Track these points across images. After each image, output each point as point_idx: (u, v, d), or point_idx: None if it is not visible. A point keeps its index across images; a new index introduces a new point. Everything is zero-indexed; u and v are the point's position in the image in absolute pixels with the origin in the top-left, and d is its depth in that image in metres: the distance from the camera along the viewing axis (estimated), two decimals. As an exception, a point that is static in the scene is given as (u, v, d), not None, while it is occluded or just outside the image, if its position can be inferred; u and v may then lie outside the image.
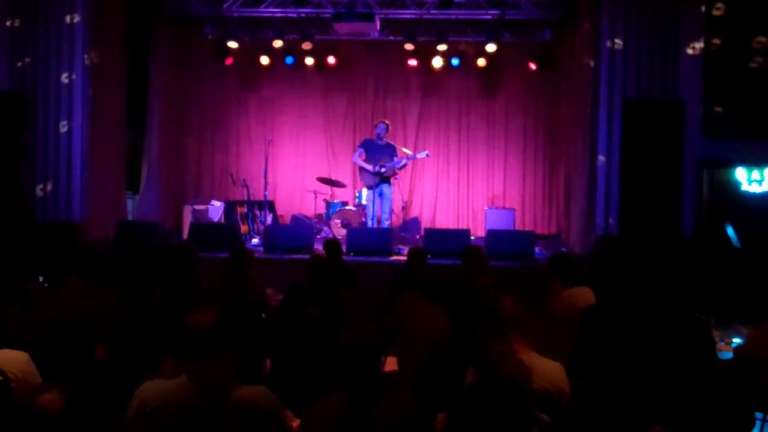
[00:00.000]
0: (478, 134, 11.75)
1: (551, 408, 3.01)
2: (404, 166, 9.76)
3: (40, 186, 8.61)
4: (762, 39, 8.15)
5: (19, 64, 8.59)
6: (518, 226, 10.69)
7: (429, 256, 6.46)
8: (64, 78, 8.62)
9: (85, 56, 8.69)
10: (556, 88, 11.02)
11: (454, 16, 10.49)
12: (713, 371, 3.81)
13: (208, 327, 2.55)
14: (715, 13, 8.27)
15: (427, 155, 9.89)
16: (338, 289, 4.82)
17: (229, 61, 11.19)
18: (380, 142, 9.53)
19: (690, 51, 8.13)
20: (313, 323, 4.08)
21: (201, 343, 2.52)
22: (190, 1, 10.63)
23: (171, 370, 2.90)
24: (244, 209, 10.16)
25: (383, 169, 9.39)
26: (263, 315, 5.13)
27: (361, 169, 9.59)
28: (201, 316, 2.59)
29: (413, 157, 9.90)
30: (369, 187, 9.61)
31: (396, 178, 9.84)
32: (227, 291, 5.12)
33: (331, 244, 6.42)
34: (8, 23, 8.56)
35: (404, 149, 10.24)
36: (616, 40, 8.21)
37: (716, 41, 8.28)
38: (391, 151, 9.53)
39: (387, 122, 9.75)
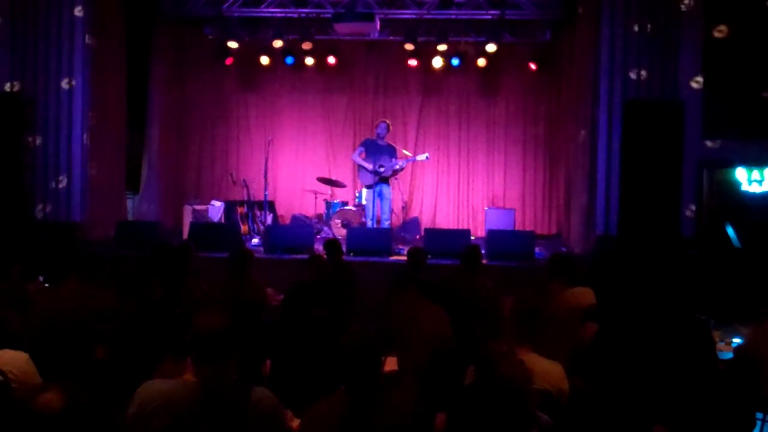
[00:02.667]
0: (478, 134, 11.75)
1: (551, 408, 3.01)
2: (402, 168, 9.73)
3: (45, 184, 8.63)
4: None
5: (20, 64, 8.58)
6: (518, 226, 10.69)
7: (429, 256, 6.45)
8: (64, 79, 8.63)
9: (85, 57, 8.69)
10: (556, 88, 11.02)
11: (454, 16, 10.49)
12: (713, 371, 3.80)
13: (220, 330, 2.55)
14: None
15: (426, 158, 9.86)
16: (341, 292, 4.82)
17: (229, 61, 11.19)
18: (381, 143, 9.52)
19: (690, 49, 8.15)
20: (313, 323, 4.08)
21: (213, 346, 2.53)
22: (189, 1, 10.63)
23: (171, 370, 2.90)
24: (244, 209, 10.15)
25: (382, 169, 9.38)
26: (263, 315, 5.13)
27: (360, 167, 9.59)
28: (211, 319, 2.58)
29: (413, 159, 9.90)
30: (368, 187, 9.60)
31: (396, 179, 9.83)
32: (227, 291, 5.12)
33: (331, 244, 6.42)
34: (8, 25, 8.56)
35: (404, 151, 10.23)
36: (616, 40, 8.22)
37: (718, 37, 8.28)
38: (391, 152, 9.52)
39: (388, 122, 9.73)
